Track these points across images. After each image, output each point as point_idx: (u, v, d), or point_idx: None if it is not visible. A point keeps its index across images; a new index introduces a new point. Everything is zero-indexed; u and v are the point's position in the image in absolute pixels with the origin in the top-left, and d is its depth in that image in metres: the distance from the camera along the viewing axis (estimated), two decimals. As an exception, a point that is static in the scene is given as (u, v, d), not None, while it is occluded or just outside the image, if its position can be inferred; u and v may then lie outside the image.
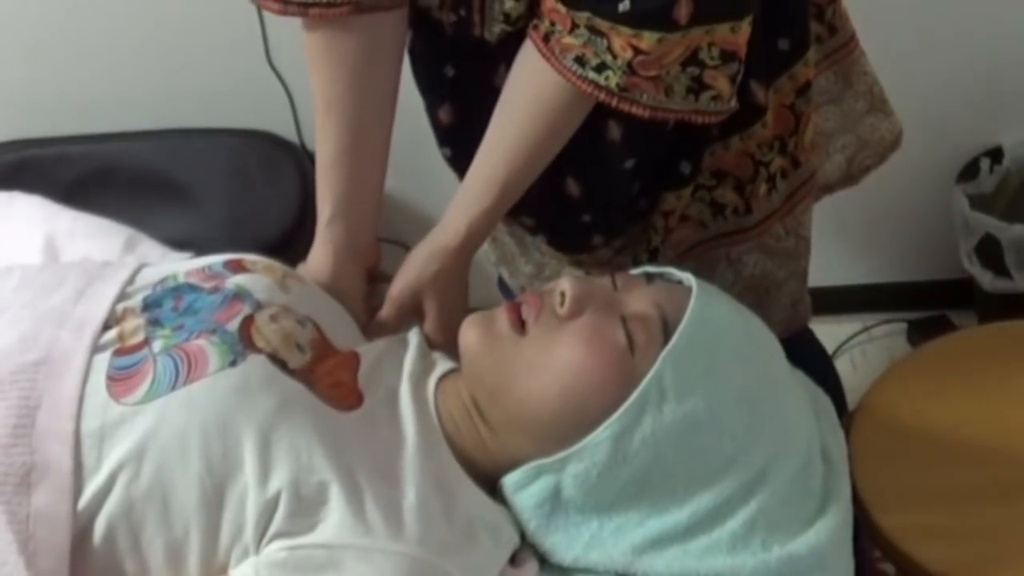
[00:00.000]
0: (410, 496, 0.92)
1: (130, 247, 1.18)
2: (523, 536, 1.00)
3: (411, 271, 1.12)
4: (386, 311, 1.13)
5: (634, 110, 1.01)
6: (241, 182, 2.08)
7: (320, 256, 1.15)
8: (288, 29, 1.99)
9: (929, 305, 2.25)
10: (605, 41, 0.98)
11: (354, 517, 0.89)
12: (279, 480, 0.89)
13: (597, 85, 0.99)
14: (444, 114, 1.21)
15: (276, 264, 1.08)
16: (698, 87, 1.01)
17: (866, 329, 2.28)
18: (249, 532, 0.88)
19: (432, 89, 1.21)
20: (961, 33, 1.92)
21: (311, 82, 1.17)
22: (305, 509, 0.89)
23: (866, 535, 1.28)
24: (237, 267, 1.05)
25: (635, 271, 1.06)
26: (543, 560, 1.00)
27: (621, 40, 0.97)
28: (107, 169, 2.08)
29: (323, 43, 1.14)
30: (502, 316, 0.98)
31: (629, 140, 1.13)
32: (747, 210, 1.22)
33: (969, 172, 2.06)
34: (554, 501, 0.97)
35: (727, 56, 1.00)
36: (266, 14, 1.86)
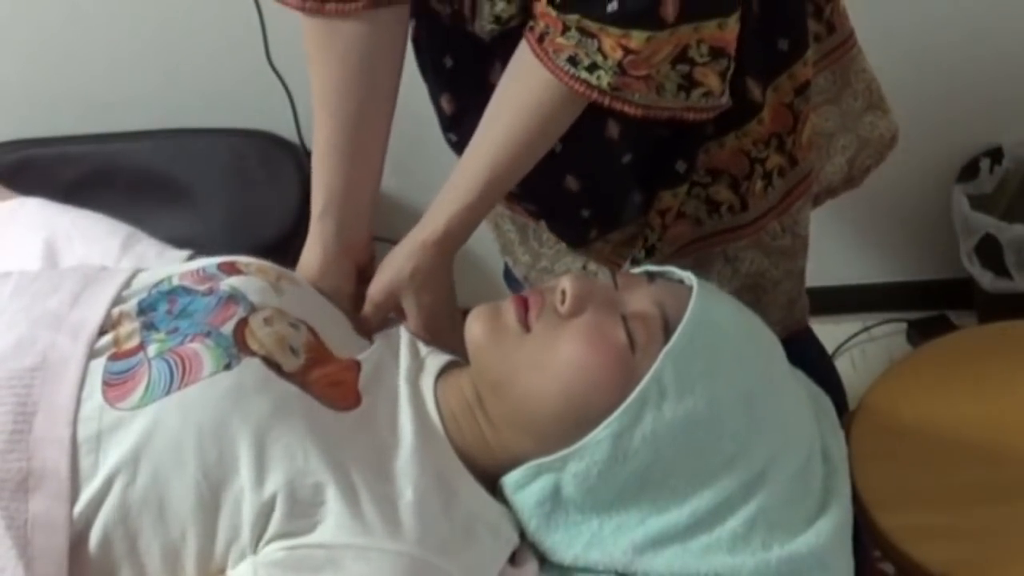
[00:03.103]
0: (407, 494, 0.92)
1: (128, 246, 1.18)
2: (523, 535, 1.00)
3: (388, 269, 1.12)
4: (366, 310, 1.13)
5: (627, 109, 1.01)
6: (241, 182, 2.07)
7: (310, 251, 1.16)
8: (288, 29, 1.99)
9: (929, 305, 2.25)
10: (596, 42, 0.98)
11: (351, 517, 0.89)
12: (275, 482, 0.89)
13: (589, 84, 1.00)
14: (446, 103, 1.22)
15: (270, 266, 1.08)
16: (689, 84, 1.01)
17: (866, 329, 2.28)
18: (245, 534, 0.88)
19: (433, 78, 1.22)
20: (961, 33, 1.92)
21: (310, 74, 1.16)
22: (302, 511, 0.89)
23: (866, 535, 1.28)
24: (231, 269, 1.05)
25: (636, 270, 1.06)
26: (543, 559, 1.00)
27: (611, 40, 0.97)
28: (107, 169, 2.08)
29: (325, 35, 1.14)
30: (509, 309, 0.98)
31: (627, 137, 1.14)
32: (743, 207, 1.22)
33: (969, 172, 2.05)
34: (554, 500, 0.97)
35: (716, 52, 1.00)
36: (266, 13, 1.89)
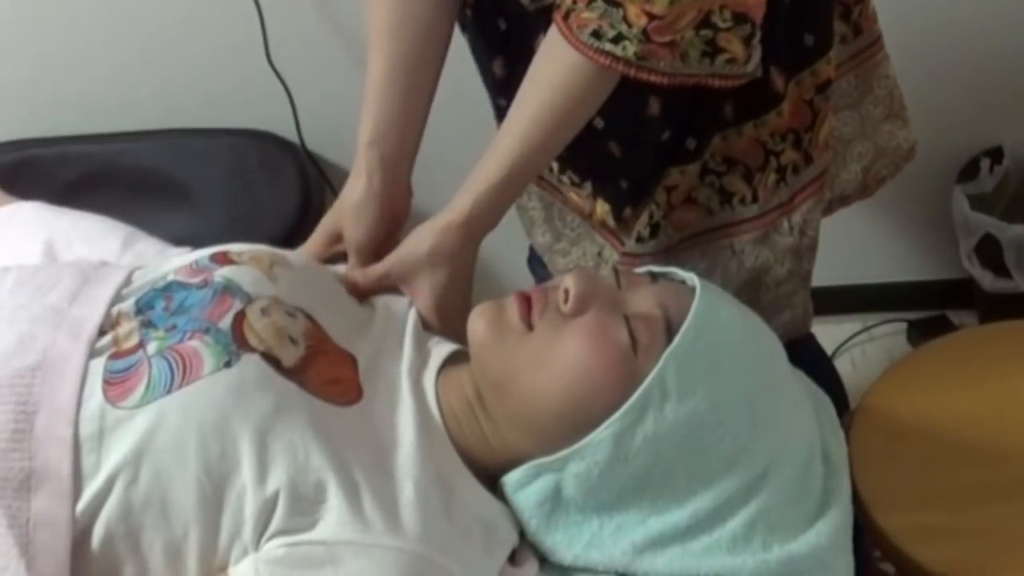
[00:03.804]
0: (408, 491, 0.92)
1: (128, 244, 1.19)
2: (523, 535, 1.00)
3: (408, 244, 1.12)
4: (373, 270, 1.13)
5: (652, 78, 1.01)
6: (241, 182, 2.07)
7: (353, 180, 1.17)
8: (288, 29, 2.00)
9: (929, 305, 2.25)
10: (620, 11, 0.99)
11: (352, 514, 0.89)
12: (277, 480, 0.89)
13: (615, 56, 1.00)
14: (498, 67, 1.23)
15: (263, 251, 1.07)
16: (713, 51, 1.01)
17: (866, 329, 2.28)
18: (248, 531, 0.88)
19: (486, 41, 1.23)
20: (961, 33, 1.92)
21: (368, 9, 1.18)
22: (304, 508, 0.89)
23: (866, 535, 1.28)
24: (223, 260, 1.04)
25: (639, 270, 1.06)
26: (543, 559, 1.00)
27: (635, 8, 0.98)
28: (107, 169, 2.08)
29: None
30: (512, 307, 0.98)
31: (667, 113, 1.14)
32: (754, 199, 1.22)
33: (969, 172, 2.05)
34: (555, 500, 0.97)
35: (739, 18, 1.01)
36: (266, 13, 1.89)
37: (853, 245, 2.21)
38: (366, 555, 0.88)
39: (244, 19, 1.90)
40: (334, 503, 0.89)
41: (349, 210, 1.16)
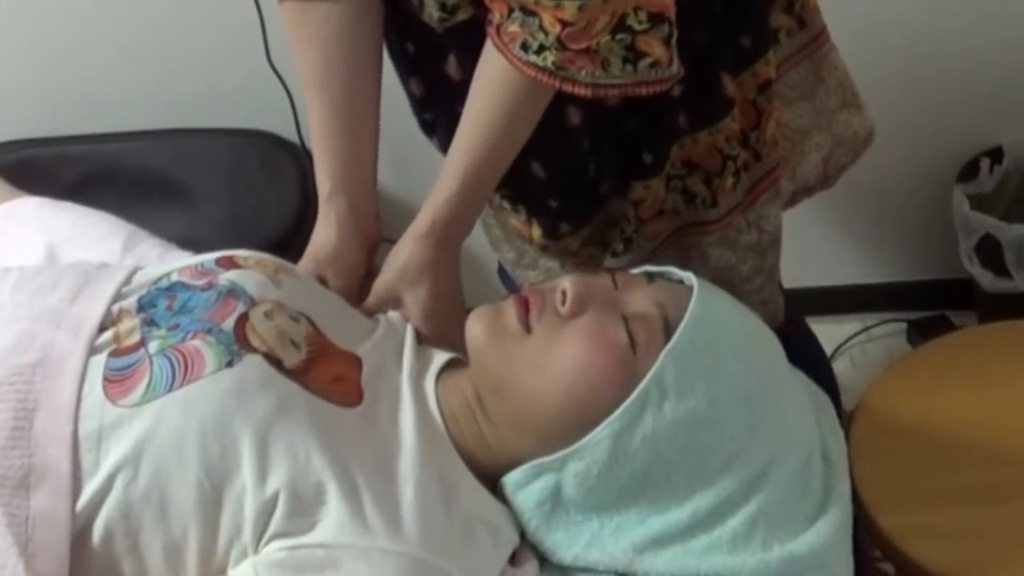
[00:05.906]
0: (408, 494, 0.92)
1: (129, 247, 1.19)
2: (523, 535, 1.00)
3: (386, 265, 1.13)
4: (368, 302, 1.14)
5: (576, 90, 1.01)
6: (241, 182, 2.08)
7: (325, 230, 1.17)
8: (288, 29, 1.98)
9: (929, 305, 2.25)
10: (536, 20, 0.99)
11: (352, 517, 0.89)
12: (277, 480, 0.89)
13: (537, 67, 1.00)
14: (415, 86, 1.24)
15: (268, 258, 1.08)
16: (634, 56, 1.00)
17: (866, 329, 2.28)
18: (247, 532, 0.88)
19: (400, 62, 1.24)
20: (961, 32, 1.92)
21: (296, 61, 1.19)
22: (303, 509, 0.89)
23: (866, 535, 1.28)
24: (229, 264, 1.05)
25: (636, 270, 1.06)
26: (543, 559, 1.00)
27: (549, 15, 0.98)
28: (107, 169, 2.08)
29: (300, 18, 1.18)
30: (510, 310, 0.98)
31: (587, 125, 1.15)
32: (713, 203, 1.23)
33: (969, 172, 2.05)
34: (554, 500, 0.97)
35: (655, 18, 0.99)
36: (266, 13, 1.89)
37: (853, 245, 2.21)
38: (366, 559, 0.88)
39: (244, 19, 1.90)
40: (334, 505, 0.89)
41: (327, 262, 1.16)
